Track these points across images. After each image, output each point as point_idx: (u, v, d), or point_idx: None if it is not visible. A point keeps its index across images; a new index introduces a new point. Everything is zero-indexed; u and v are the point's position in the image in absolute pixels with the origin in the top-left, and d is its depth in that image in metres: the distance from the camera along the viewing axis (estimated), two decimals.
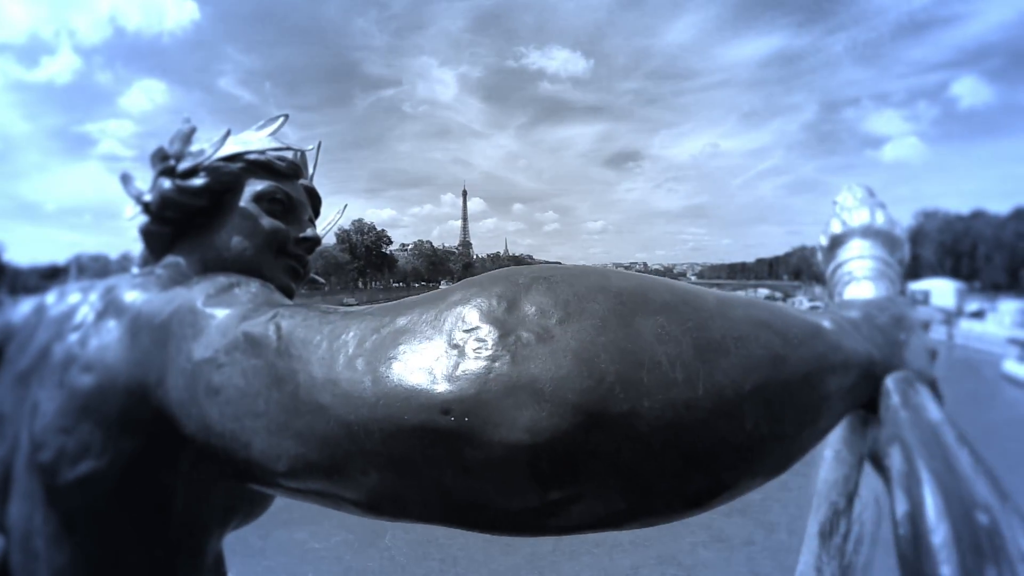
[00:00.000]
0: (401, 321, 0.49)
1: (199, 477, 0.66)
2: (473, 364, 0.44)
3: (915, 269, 69.73)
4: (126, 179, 0.93)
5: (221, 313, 0.63)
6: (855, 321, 0.58)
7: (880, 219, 0.77)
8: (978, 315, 47.39)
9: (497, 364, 0.43)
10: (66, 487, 0.66)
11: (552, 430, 0.41)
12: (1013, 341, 28.92)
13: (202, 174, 0.91)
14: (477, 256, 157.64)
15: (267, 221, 0.91)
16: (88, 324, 0.74)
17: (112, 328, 0.72)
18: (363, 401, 0.46)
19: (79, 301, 0.80)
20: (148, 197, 0.90)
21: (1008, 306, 43.75)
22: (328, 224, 1.09)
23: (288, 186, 0.96)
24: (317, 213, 1.03)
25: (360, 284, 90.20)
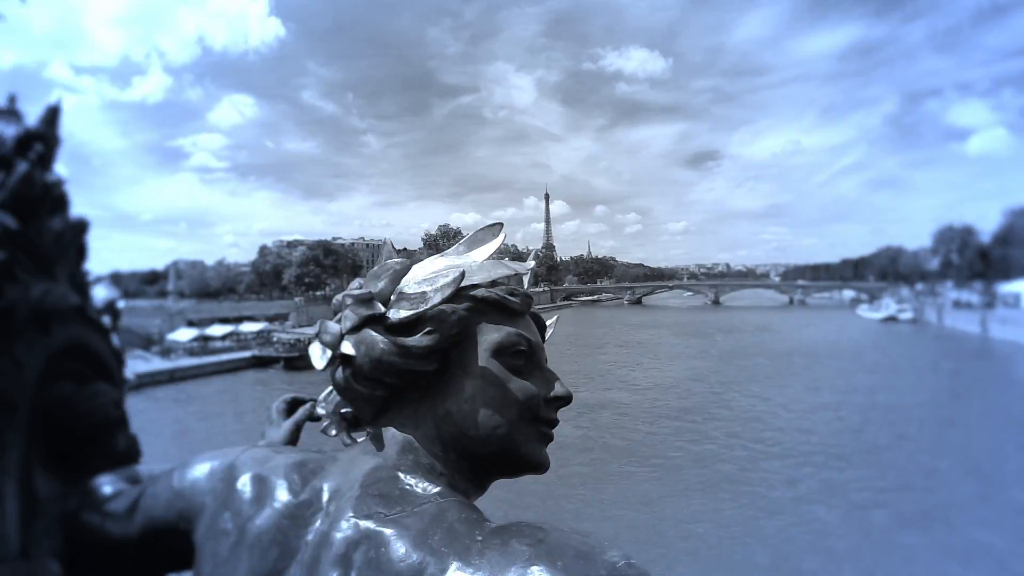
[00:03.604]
0: None
1: None
2: None
3: (1005, 270, 68.33)
4: (323, 331, 0.78)
5: None
6: None
7: None
8: None
9: None
10: None
11: None
12: None
13: (428, 328, 0.74)
14: (561, 259, 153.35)
15: (517, 385, 0.76)
16: (337, 556, 0.64)
17: None
18: None
19: (310, 503, 0.72)
20: (349, 349, 0.75)
21: None
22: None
23: (525, 327, 0.80)
24: (542, 335, 0.85)
25: None
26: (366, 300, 0.76)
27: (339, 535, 0.66)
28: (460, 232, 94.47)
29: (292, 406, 1.12)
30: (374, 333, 0.74)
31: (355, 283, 0.81)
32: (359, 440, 0.84)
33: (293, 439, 1.05)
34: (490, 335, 0.76)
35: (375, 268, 0.82)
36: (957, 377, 32.51)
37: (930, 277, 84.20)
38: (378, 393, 0.76)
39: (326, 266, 78.38)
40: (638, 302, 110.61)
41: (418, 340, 0.74)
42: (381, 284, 0.78)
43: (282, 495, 0.74)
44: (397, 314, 0.75)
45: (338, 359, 0.76)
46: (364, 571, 0.62)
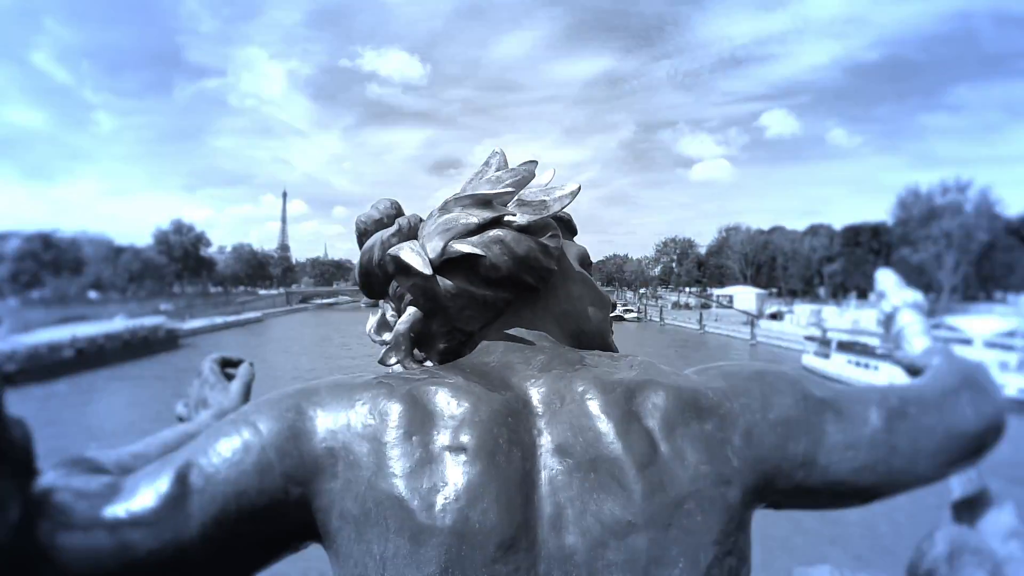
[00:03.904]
0: None
1: None
2: None
3: (720, 278, 78.46)
4: (436, 230, 0.74)
5: None
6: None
7: (917, 297, 1.13)
8: (776, 317, 53.91)
9: None
10: None
11: None
12: (808, 338, 35.91)
13: (551, 232, 0.78)
14: (297, 261, 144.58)
15: (601, 289, 0.86)
16: (657, 430, 0.64)
17: (708, 433, 0.65)
18: None
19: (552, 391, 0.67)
20: (475, 249, 0.72)
21: (803, 309, 51.45)
22: None
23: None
24: None
25: (176, 288, 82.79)
26: (486, 202, 0.75)
27: (596, 392, 0.65)
28: (193, 228, 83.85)
29: (223, 367, 1.03)
30: (512, 232, 0.74)
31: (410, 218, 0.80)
32: (428, 365, 0.79)
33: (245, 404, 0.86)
34: (573, 248, 0.86)
35: (487, 173, 0.81)
36: (682, 360, 29.02)
37: (652, 283, 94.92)
38: (503, 295, 0.76)
39: (46, 262, 67.05)
40: (375, 305, 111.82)
41: (549, 240, 0.77)
42: (502, 187, 0.77)
43: (470, 406, 0.64)
44: (524, 217, 0.75)
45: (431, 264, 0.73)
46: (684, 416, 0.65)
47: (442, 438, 0.62)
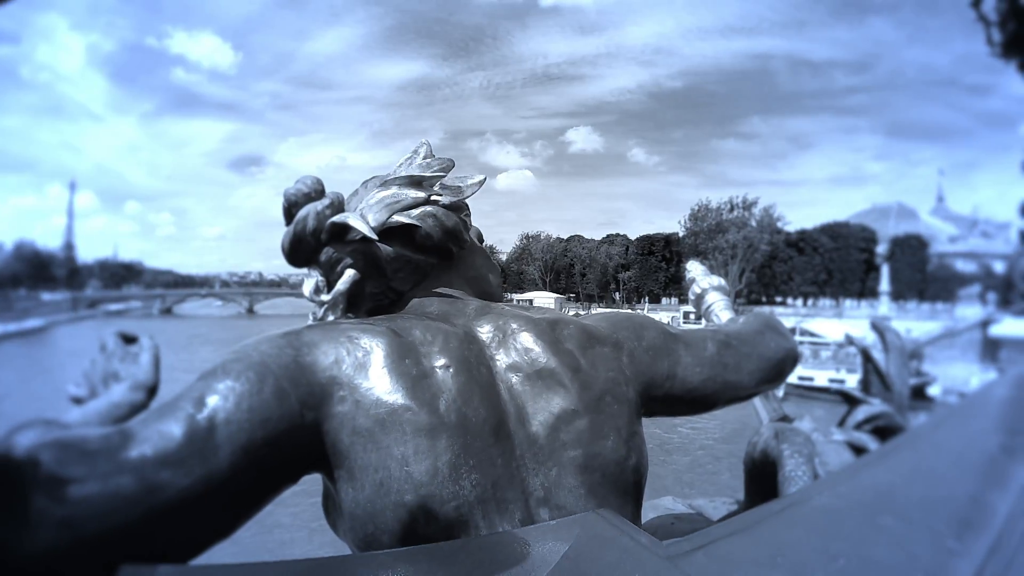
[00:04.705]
0: None
1: None
2: None
3: (520, 283, 77.31)
4: (375, 206, 0.91)
5: None
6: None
7: (721, 281, 1.50)
8: None
9: None
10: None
11: None
12: None
13: (466, 212, 1.00)
14: (84, 262, 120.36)
15: (492, 259, 1.08)
16: (573, 350, 0.87)
17: (607, 353, 0.91)
18: None
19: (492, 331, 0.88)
20: (411, 220, 0.90)
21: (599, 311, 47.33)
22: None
23: None
24: None
25: None
26: (419, 182, 0.93)
27: (527, 333, 0.87)
28: None
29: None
30: (441, 209, 0.93)
31: (323, 201, 0.90)
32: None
33: (157, 377, 0.88)
34: (472, 228, 1.05)
35: (416, 160, 0.98)
36: None
37: None
38: (431, 260, 0.94)
39: None
40: (168, 311, 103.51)
41: (466, 218, 0.99)
42: (431, 172, 0.94)
43: (442, 337, 0.81)
44: (447, 198, 0.94)
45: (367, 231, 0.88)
46: (577, 335, 0.90)
47: (428, 360, 0.77)
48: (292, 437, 0.68)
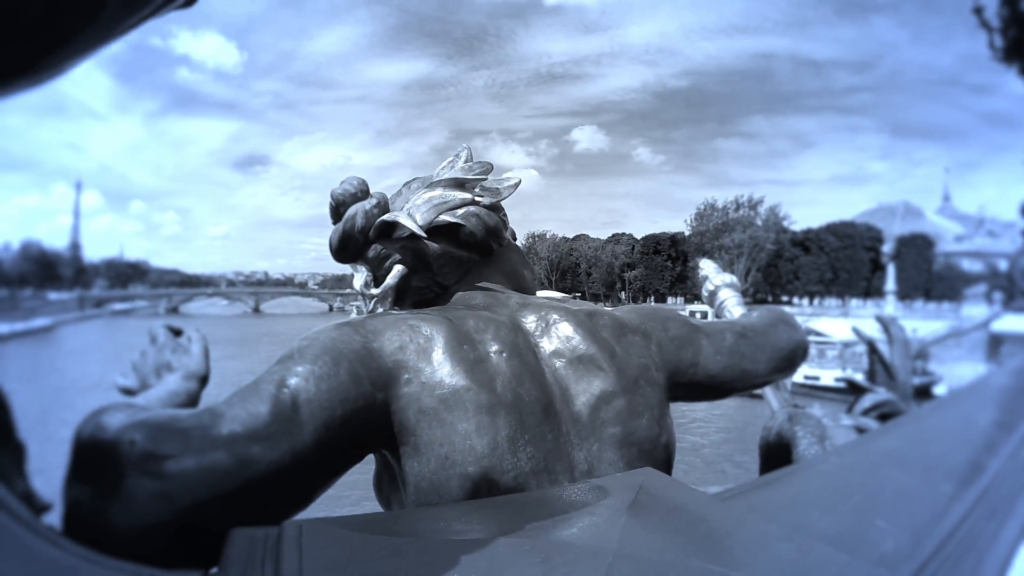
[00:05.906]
0: None
1: None
2: None
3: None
4: (422, 207, 0.99)
5: None
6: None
7: (733, 278, 1.58)
8: None
9: None
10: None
11: None
12: None
13: (503, 212, 1.07)
14: (90, 261, 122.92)
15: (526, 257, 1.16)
16: (604, 340, 0.95)
17: (638, 341, 1.00)
18: None
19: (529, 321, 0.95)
20: (457, 219, 0.98)
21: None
22: None
23: None
24: None
25: None
26: (462, 184, 1.01)
27: (570, 324, 0.95)
28: None
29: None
30: (483, 209, 1.01)
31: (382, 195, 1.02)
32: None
33: (208, 367, 0.94)
34: (507, 227, 1.12)
35: (458, 163, 1.06)
36: None
37: None
38: (474, 256, 1.02)
39: None
40: (175, 311, 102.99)
41: (504, 217, 1.07)
42: (474, 175, 1.02)
43: (493, 326, 0.89)
44: (486, 200, 1.02)
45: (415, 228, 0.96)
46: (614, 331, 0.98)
47: (484, 346, 0.85)
48: (365, 415, 0.75)
